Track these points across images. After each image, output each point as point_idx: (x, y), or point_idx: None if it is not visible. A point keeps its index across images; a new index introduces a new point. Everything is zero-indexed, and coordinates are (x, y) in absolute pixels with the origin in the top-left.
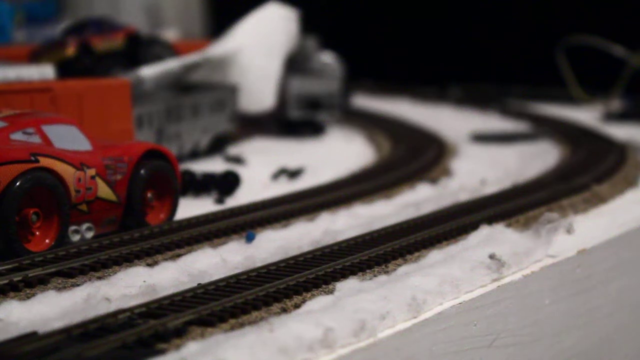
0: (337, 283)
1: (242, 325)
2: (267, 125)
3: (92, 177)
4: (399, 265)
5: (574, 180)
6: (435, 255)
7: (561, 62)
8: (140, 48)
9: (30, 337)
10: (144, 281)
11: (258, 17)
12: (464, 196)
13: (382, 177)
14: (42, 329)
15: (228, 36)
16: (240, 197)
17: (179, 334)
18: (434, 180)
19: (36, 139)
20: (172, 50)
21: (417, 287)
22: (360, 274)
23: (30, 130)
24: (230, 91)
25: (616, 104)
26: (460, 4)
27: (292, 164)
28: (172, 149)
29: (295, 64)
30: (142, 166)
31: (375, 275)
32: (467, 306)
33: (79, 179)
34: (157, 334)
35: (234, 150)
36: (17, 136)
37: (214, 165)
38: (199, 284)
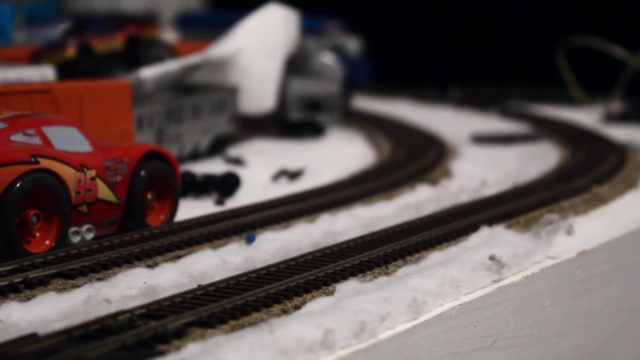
0: (337, 284)
1: (242, 326)
2: (267, 126)
3: (92, 179)
4: (399, 266)
5: (574, 181)
6: (435, 257)
7: (561, 64)
8: (141, 49)
9: (31, 338)
10: (144, 282)
11: (258, 18)
12: (464, 197)
13: (383, 178)
14: (42, 330)
15: (228, 37)
16: (241, 199)
17: (179, 335)
18: (434, 182)
19: (36, 140)
20: (172, 52)
21: (418, 289)
22: (361, 275)
23: (31, 131)
24: (230, 92)
25: (616, 105)
26: (460, 5)
27: (292, 165)
28: (172, 150)
29: (295, 65)
30: (143, 167)
31: (375, 277)
32: (467, 307)
33: (79, 180)
34: (157, 336)
35: (234, 151)
36: (18, 137)
37: (214, 166)
38: (199, 285)
